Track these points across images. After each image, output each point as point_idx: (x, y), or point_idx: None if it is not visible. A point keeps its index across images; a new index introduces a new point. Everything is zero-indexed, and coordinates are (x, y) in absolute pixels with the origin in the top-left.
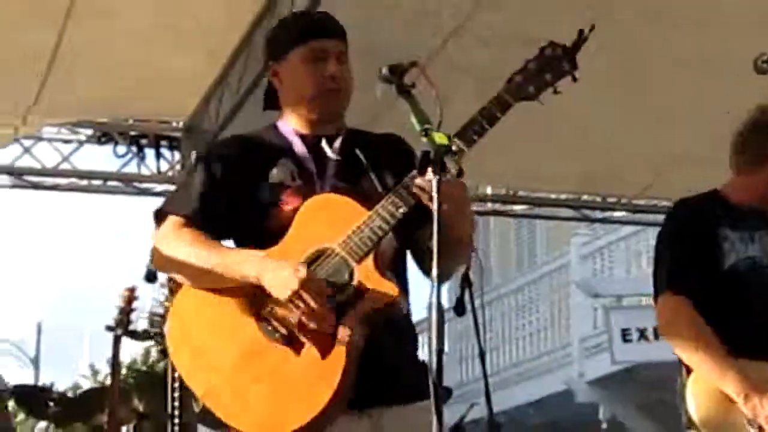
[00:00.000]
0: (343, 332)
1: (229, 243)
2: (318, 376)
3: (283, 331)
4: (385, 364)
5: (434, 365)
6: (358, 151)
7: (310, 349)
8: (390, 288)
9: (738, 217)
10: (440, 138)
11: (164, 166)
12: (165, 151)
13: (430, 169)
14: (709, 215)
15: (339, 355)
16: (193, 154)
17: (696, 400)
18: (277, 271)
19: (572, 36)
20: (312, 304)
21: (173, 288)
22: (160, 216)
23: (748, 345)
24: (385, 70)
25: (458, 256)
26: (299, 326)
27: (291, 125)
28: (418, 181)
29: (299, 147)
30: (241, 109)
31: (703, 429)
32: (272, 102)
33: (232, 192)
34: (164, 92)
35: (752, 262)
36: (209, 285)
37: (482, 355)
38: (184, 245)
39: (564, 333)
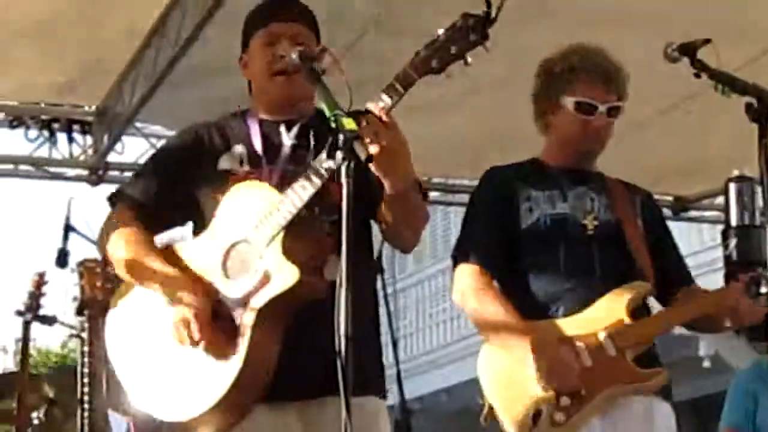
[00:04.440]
0: (247, 321)
1: (188, 228)
2: (223, 364)
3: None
4: (323, 355)
5: (343, 352)
6: (311, 136)
7: (216, 340)
8: (290, 273)
9: (549, 179)
10: (350, 124)
11: (76, 150)
12: (77, 136)
13: (338, 154)
14: (510, 178)
15: (242, 344)
16: (105, 138)
17: (485, 377)
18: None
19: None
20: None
21: (83, 273)
22: (112, 202)
23: (551, 302)
24: (294, 57)
25: (410, 213)
26: None
27: (255, 111)
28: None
29: (254, 133)
30: (155, 93)
31: (495, 401)
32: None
33: (181, 182)
34: (76, 75)
35: (559, 219)
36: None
37: (394, 342)
38: (119, 247)
39: None
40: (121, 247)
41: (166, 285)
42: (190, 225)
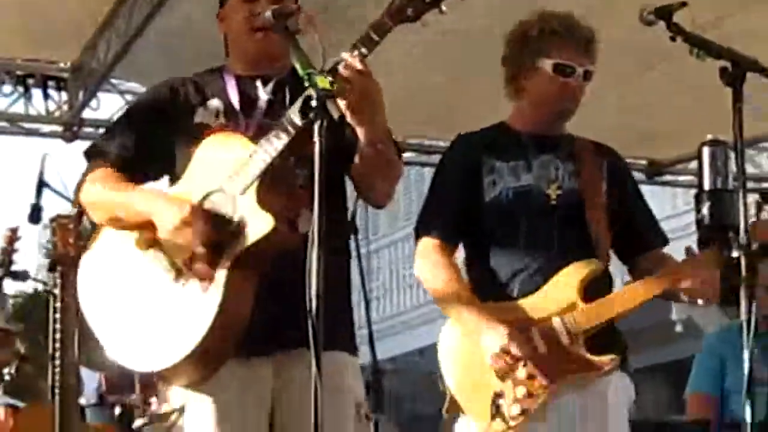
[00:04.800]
0: (221, 270)
1: (164, 182)
2: (197, 313)
3: (173, 270)
4: (296, 308)
5: (314, 310)
6: (287, 91)
7: (194, 287)
8: (264, 221)
9: (516, 146)
10: (322, 82)
11: (51, 106)
12: (52, 92)
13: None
14: (476, 147)
15: (216, 293)
16: (80, 94)
17: (445, 362)
18: (164, 211)
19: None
20: (191, 241)
21: (55, 229)
22: (88, 157)
23: (509, 280)
24: (268, 14)
25: (385, 164)
26: (185, 265)
27: (232, 67)
28: (344, 64)
29: (231, 87)
30: (129, 49)
31: (455, 391)
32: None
33: (156, 135)
34: (51, 32)
35: (522, 192)
36: (117, 224)
37: (367, 303)
38: (97, 188)
39: None
40: (100, 189)
41: (157, 204)
42: (164, 180)
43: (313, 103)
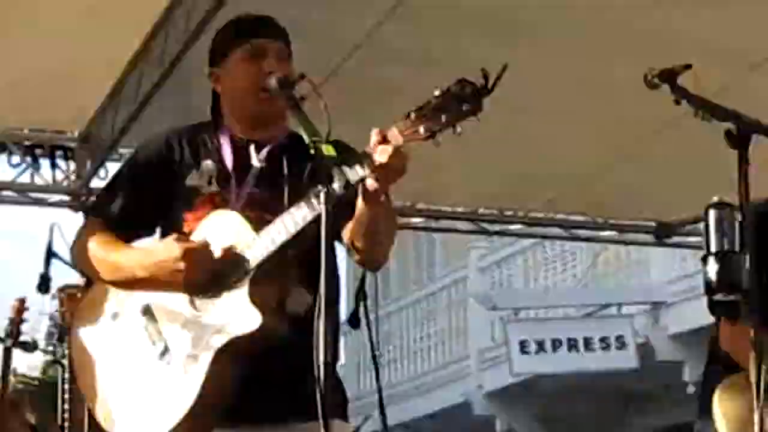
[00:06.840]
0: (205, 354)
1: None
2: (180, 392)
3: (161, 346)
4: (286, 380)
5: (321, 378)
6: (284, 160)
7: (177, 366)
8: (251, 318)
9: None
10: (328, 150)
11: (59, 176)
12: (60, 161)
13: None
14: None
15: (198, 376)
16: (88, 163)
17: (722, 418)
18: (159, 259)
19: (476, 59)
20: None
21: (63, 300)
22: (87, 215)
23: None
24: (273, 82)
25: (393, 218)
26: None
27: (227, 128)
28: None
29: (226, 151)
30: (138, 119)
31: None
32: (218, 119)
33: (152, 197)
34: (59, 102)
35: None
36: (118, 285)
37: (376, 368)
38: (95, 247)
39: (462, 345)
40: (99, 250)
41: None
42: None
43: (320, 171)
